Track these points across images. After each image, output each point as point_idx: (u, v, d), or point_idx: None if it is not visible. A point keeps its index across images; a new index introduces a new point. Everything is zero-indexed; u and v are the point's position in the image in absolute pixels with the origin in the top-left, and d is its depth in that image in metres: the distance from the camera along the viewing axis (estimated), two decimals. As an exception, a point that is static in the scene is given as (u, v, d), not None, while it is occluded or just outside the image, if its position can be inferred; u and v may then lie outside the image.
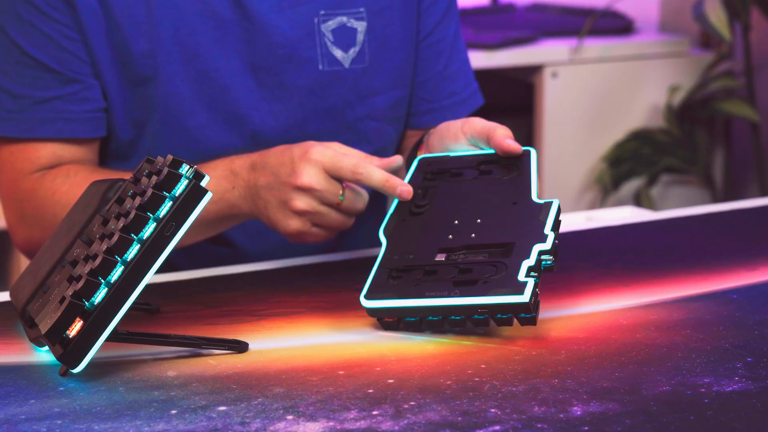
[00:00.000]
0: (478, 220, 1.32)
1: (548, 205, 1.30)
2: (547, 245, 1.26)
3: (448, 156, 1.41)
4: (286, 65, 1.58)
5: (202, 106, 1.57)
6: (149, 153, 1.43)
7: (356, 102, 1.61)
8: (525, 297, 1.21)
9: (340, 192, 1.39)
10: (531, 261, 1.24)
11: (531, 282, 1.22)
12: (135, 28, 1.52)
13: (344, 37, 1.59)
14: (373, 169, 1.38)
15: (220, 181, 1.45)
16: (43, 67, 1.52)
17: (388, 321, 1.28)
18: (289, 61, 1.57)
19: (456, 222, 1.33)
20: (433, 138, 1.45)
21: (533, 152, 1.37)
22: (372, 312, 1.28)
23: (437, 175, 1.39)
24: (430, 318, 1.26)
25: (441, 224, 1.33)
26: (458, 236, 1.31)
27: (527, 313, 1.23)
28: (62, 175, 1.52)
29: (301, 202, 1.39)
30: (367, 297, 1.27)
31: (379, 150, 1.62)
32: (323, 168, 1.38)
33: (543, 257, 1.26)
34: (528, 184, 1.34)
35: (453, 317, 1.25)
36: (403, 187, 1.38)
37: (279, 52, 1.57)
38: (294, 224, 1.41)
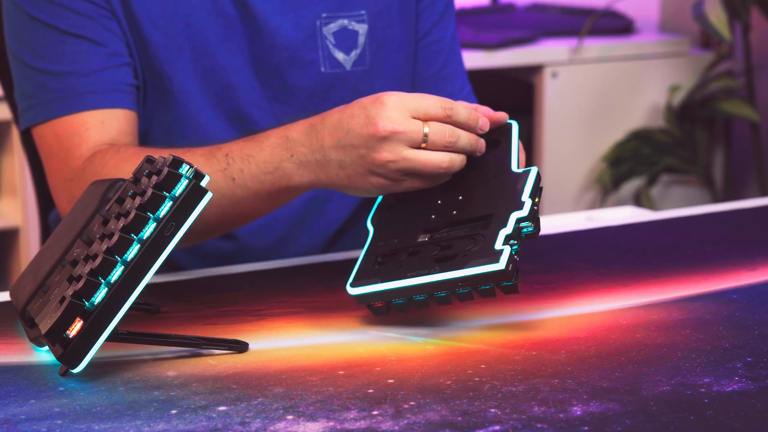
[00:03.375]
0: (460, 197, 1.32)
1: (526, 173, 1.29)
2: (524, 212, 1.25)
3: None
4: (289, 67, 1.58)
5: (208, 103, 1.57)
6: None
7: None
8: (501, 264, 1.21)
9: (423, 127, 1.28)
10: (508, 229, 1.24)
11: (507, 249, 1.22)
12: (151, 22, 1.53)
13: (346, 40, 1.60)
14: (458, 103, 1.31)
15: (275, 149, 1.34)
16: (87, 42, 1.51)
17: (378, 307, 1.28)
18: (292, 63, 1.58)
19: (439, 202, 1.33)
20: None
21: (515, 124, 1.36)
22: (359, 299, 1.28)
23: None
24: (417, 298, 1.26)
25: (425, 206, 1.33)
26: (441, 215, 1.31)
27: (507, 281, 1.23)
28: (111, 151, 1.49)
29: (386, 152, 1.27)
30: (352, 285, 1.27)
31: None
32: (405, 110, 1.28)
33: (522, 224, 1.25)
34: (508, 157, 1.33)
35: (438, 294, 1.25)
36: (483, 118, 1.32)
37: (282, 53, 1.57)
38: (377, 179, 1.30)
